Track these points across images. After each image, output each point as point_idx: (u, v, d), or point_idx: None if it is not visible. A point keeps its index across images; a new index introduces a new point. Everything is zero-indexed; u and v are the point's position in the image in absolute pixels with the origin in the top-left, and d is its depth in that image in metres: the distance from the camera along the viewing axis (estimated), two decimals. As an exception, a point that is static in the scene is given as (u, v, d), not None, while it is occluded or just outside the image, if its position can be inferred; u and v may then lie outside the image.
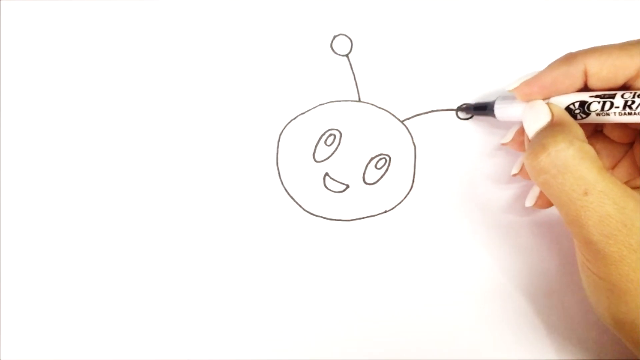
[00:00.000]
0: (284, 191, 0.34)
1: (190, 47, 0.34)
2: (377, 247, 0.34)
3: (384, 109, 0.35)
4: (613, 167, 0.32)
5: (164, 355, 0.33)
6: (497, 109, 0.31)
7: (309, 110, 0.35)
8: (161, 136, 0.34)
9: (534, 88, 0.29)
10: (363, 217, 0.34)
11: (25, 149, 0.34)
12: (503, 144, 0.32)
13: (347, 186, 0.34)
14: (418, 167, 0.34)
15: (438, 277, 0.34)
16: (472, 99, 0.34)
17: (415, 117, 0.35)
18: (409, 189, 0.34)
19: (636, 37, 0.35)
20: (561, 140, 0.26)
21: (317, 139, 0.34)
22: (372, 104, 0.35)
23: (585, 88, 0.29)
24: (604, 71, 0.27)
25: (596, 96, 0.28)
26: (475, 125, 0.35)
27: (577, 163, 0.25)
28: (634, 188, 0.27)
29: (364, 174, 0.34)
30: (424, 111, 0.35)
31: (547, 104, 0.28)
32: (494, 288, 0.34)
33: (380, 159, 0.34)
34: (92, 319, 0.33)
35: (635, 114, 0.27)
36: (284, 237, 0.34)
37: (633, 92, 0.27)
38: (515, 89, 0.29)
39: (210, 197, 0.34)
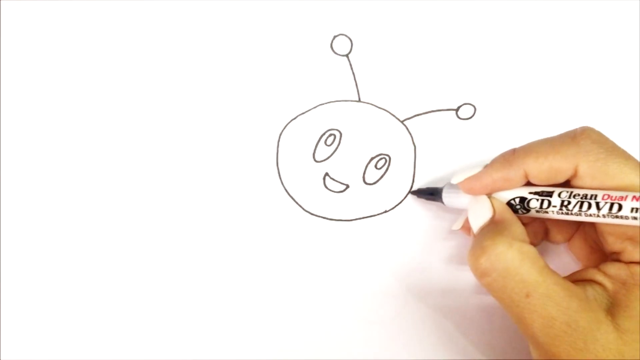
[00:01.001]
0: (284, 191, 0.34)
1: (190, 47, 0.34)
2: (377, 247, 0.34)
3: (384, 109, 0.35)
4: (569, 240, 0.31)
5: (164, 355, 0.33)
6: (445, 197, 0.31)
7: (309, 110, 0.35)
8: (161, 136, 0.34)
9: (476, 185, 0.29)
10: (363, 217, 0.34)
11: (25, 149, 0.34)
12: (454, 230, 0.32)
13: (347, 186, 0.34)
14: (418, 167, 0.34)
15: (438, 277, 0.34)
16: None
17: (415, 117, 0.35)
18: (409, 189, 0.34)
19: (636, 37, 0.35)
20: (500, 242, 0.26)
21: (317, 139, 0.34)
22: (372, 104, 0.35)
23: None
24: (542, 174, 0.27)
25: (535, 193, 0.28)
26: (476, 126, 0.35)
27: (517, 266, 0.25)
28: (584, 280, 0.27)
29: (364, 174, 0.34)
30: (424, 111, 0.35)
31: (490, 198, 0.29)
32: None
33: (380, 159, 0.34)
34: (92, 319, 0.33)
35: (572, 213, 0.26)
36: (284, 237, 0.34)
37: (569, 191, 0.27)
38: (460, 183, 0.29)
39: (211, 197, 0.34)
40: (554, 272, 0.26)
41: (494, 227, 0.27)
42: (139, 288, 0.33)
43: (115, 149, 0.34)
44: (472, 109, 0.35)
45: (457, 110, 0.35)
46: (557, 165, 0.27)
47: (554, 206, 0.27)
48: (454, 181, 0.30)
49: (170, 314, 0.33)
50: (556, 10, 0.35)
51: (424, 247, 0.34)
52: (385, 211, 0.34)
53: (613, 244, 0.27)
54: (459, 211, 0.32)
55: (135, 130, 0.34)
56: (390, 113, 0.35)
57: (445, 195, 0.31)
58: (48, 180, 0.34)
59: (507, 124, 0.35)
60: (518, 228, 0.27)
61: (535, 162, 0.27)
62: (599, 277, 0.27)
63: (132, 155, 0.34)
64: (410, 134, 0.35)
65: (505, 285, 0.25)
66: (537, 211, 0.28)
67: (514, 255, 0.25)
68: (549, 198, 0.27)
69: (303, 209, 0.34)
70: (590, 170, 0.26)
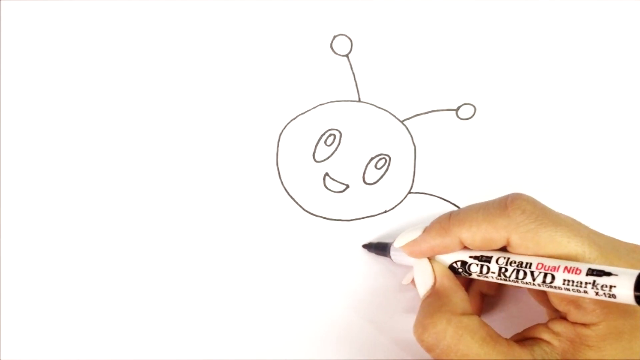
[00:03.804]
0: (284, 191, 0.34)
1: (191, 47, 0.34)
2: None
3: (384, 109, 0.35)
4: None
5: (164, 355, 0.33)
6: (393, 255, 0.31)
7: (309, 110, 0.35)
8: (161, 136, 0.34)
9: (416, 250, 0.29)
10: (363, 217, 0.34)
11: (25, 149, 0.34)
12: (404, 284, 0.32)
13: (347, 186, 0.34)
14: (418, 167, 0.34)
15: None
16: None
17: (415, 117, 0.35)
18: (408, 189, 0.34)
19: (636, 37, 0.35)
20: (438, 320, 0.26)
21: (317, 139, 0.34)
22: (372, 104, 0.35)
23: None
24: (476, 242, 0.27)
25: (475, 257, 0.28)
26: (476, 126, 0.35)
27: (456, 342, 0.26)
28: (533, 339, 0.27)
29: (364, 174, 0.34)
30: (424, 111, 0.35)
31: (433, 262, 0.29)
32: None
33: (380, 159, 0.34)
34: (92, 319, 0.33)
35: (509, 280, 0.26)
36: (284, 237, 0.34)
37: (507, 257, 0.27)
38: (402, 247, 0.30)
39: (211, 197, 0.34)
40: (497, 341, 0.26)
41: (434, 300, 0.28)
42: (139, 288, 0.33)
43: (115, 149, 0.34)
44: (472, 109, 0.35)
45: (457, 110, 0.35)
46: (490, 236, 0.27)
47: (493, 272, 0.27)
48: (396, 245, 0.30)
49: (170, 313, 0.33)
50: (556, 10, 0.35)
51: (424, 247, 0.34)
52: (385, 211, 0.34)
53: (558, 305, 0.27)
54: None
55: (136, 131, 0.34)
56: (390, 113, 0.35)
57: (393, 254, 0.31)
58: (48, 180, 0.34)
59: (507, 124, 0.35)
60: (458, 298, 0.28)
61: (468, 231, 0.27)
62: (547, 335, 0.27)
63: (132, 156, 0.34)
64: (410, 134, 0.35)
65: None
66: (478, 275, 0.28)
67: (453, 332, 0.26)
68: (487, 264, 0.27)
69: (303, 209, 0.34)
70: (522, 241, 0.26)
